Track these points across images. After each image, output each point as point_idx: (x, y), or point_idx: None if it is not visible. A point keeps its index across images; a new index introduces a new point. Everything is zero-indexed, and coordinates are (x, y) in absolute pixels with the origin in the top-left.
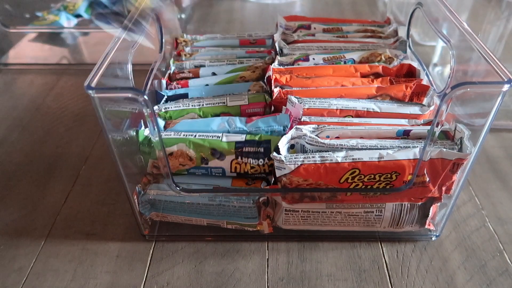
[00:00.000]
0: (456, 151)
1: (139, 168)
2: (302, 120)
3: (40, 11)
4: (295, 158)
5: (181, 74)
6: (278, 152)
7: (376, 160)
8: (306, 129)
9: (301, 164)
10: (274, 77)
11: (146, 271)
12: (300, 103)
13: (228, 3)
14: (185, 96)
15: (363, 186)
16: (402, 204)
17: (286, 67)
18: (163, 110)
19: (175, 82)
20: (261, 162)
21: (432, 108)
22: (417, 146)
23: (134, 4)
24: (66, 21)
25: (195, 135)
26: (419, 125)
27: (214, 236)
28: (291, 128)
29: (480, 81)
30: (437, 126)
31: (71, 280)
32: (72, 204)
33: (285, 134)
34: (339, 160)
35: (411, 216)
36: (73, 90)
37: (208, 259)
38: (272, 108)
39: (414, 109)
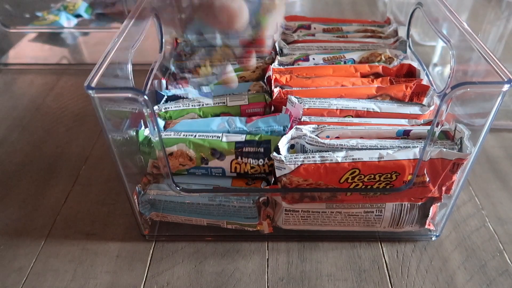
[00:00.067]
0: (456, 151)
1: (139, 168)
2: (302, 120)
3: (40, 11)
4: (295, 158)
5: (181, 74)
6: (278, 152)
7: (376, 160)
8: (306, 129)
9: (301, 164)
10: (274, 77)
11: (146, 271)
12: (300, 103)
13: None
14: (185, 96)
15: (363, 186)
16: (402, 204)
17: (286, 67)
18: (163, 110)
19: (175, 82)
20: (261, 162)
21: (432, 108)
22: (417, 146)
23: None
24: (66, 21)
25: (195, 135)
26: (419, 125)
27: (214, 236)
28: (291, 128)
29: (480, 81)
30: (437, 126)
31: (71, 280)
32: (72, 204)
33: (285, 134)
34: (339, 160)
35: (411, 216)
36: (73, 90)
37: (208, 259)
38: (272, 108)
39: (414, 109)
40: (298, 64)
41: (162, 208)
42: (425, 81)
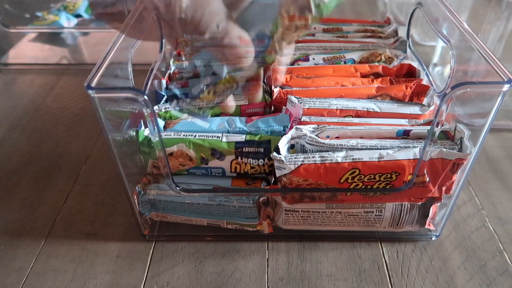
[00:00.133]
0: (456, 151)
1: (139, 168)
2: (302, 120)
3: (40, 11)
4: (295, 158)
5: (181, 74)
6: (278, 152)
7: (376, 160)
8: (306, 129)
9: (301, 164)
10: (274, 77)
11: (146, 271)
12: (300, 103)
13: None
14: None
15: (363, 186)
16: (402, 204)
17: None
18: (163, 110)
19: (175, 82)
20: (261, 162)
21: (432, 108)
22: (417, 146)
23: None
24: (66, 21)
25: (195, 135)
26: (419, 125)
27: (214, 236)
28: (291, 128)
29: (480, 81)
30: (437, 126)
31: (71, 280)
32: (72, 204)
33: (285, 134)
34: (339, 160)
35: (411, 216)
36: (73, 90)
37: (208, 259)
38: (272, 108)
39: (414, 109)
40: (298, 64)
41: (162, 208)
42: (425, 81)
